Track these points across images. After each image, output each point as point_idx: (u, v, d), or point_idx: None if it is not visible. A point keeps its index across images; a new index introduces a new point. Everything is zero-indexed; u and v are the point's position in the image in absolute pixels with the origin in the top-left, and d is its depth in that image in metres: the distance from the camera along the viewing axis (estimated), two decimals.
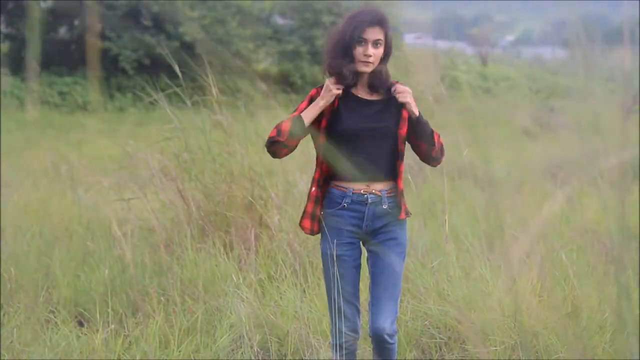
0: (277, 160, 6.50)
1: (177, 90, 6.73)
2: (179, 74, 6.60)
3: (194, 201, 6.43)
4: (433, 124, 4.03)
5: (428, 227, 7.09)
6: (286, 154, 3.92)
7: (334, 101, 3.88)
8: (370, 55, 3.83)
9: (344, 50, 3.85)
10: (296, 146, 3.93)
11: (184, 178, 6.59)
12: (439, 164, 4.00)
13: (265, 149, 3.94)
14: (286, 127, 3.83)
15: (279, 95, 22.67)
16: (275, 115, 7.51)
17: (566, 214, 7.61)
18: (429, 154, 3.92)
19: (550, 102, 23.15)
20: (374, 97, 3.92)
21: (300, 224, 4.00)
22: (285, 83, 25.41)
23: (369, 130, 3.85)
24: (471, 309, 4.87)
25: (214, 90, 6.62)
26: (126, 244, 6.33)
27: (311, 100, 3.91)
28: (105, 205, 7.95)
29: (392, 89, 3.87)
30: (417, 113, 3.85)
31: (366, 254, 4.02)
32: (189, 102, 6.77)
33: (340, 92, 3.85)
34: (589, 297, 4.80)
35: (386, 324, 3.89)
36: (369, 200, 3.87)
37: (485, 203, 8.26)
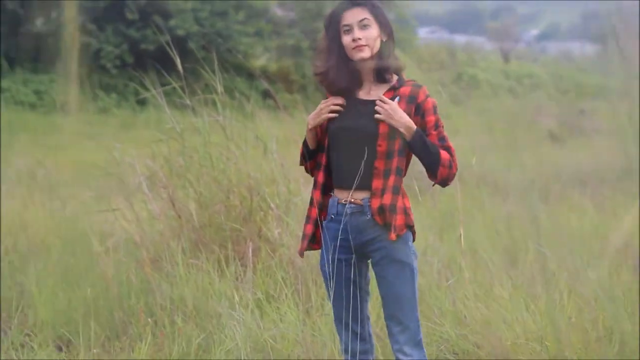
0: (278, 167, 6.56)
1: (177, 87, 6.75)
2: (180, 69, 6.62)
3: (186, 211, 6.44)
4: (449, 128, 3.98)
5: (444, 242, 7.10)
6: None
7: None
8: (359, 37, 3.78)
9: (332, 49, 3.84)
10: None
11: (176, 186, 6.61)
12: (445, 185, 3.89)
13: None
14: (301, 150, 4.02)
15: (280, 95, 22.70)
16: (276, 117, 7.53)
17: (597, 227, 7.62)
18: (431, 179, 3.87)
19: (580, 103, 23.15)
20: (372, 97, 3.85)
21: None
22: (285, 81, 25.43)
23: (346, 131, 3.82)
24: (491, 332, 4.88)
25: (219, 89, 6.65)
26: (110, 259, 6.35)
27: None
28: (87, 217, 7.96)
29: (390, 90, 3.83)
30: (406, 135, 3.75)
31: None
32: (188, 101, 6.79)
33: (327, 116, 3.86)
34: (622, 320, 4.80)
35: (397, 349, 3.87)
36: (348, 211, 3.83)
37: (506, 214, 8.27)
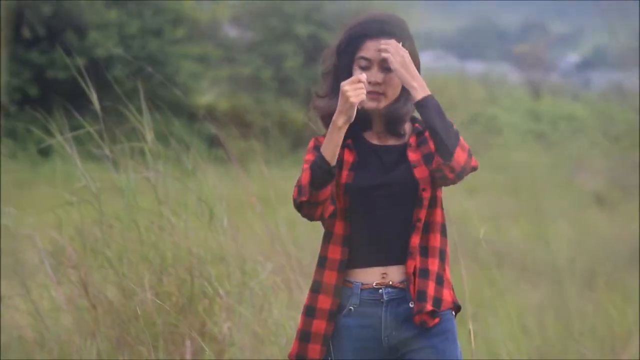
0: (229, 241, 6.54)
1: (93, 131, 6.74)
2: (98, 107, 6.59)
3: (104, 300, 6.43)
4: (460, 187, 3.98)
5: None
6: (326, 213, 3.71)
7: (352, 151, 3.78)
8: (378, 82, 3.75)
9: (337, 79, 3.78)
10: (334, 198, 3.73)
11: (90, 265, 6.60)
12: (459, 178, 3.74)
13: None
14: (306, 179, 3.63)
15: (232, 143, 22.71)
16: (227, 172, 7.52)
17: None
18: (443, 159, 3.66)
19: (635, 154, 23.35)
20: (391, 142, 3.86)
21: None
22: (238, 124, 25.43)
23: (378, 188, 3.75)
24: None
25: (148, 135, 6.65)
26: None
27: (316, 148, 3.74)
28: None
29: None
30: (418, 93, 3.66)
31: None
32: (107, 151, 6.77)
33: (364, 94, 3.60)
34: None
35: None
36: (385, 298, 3.76)
37: (537, 305, 8.30)
